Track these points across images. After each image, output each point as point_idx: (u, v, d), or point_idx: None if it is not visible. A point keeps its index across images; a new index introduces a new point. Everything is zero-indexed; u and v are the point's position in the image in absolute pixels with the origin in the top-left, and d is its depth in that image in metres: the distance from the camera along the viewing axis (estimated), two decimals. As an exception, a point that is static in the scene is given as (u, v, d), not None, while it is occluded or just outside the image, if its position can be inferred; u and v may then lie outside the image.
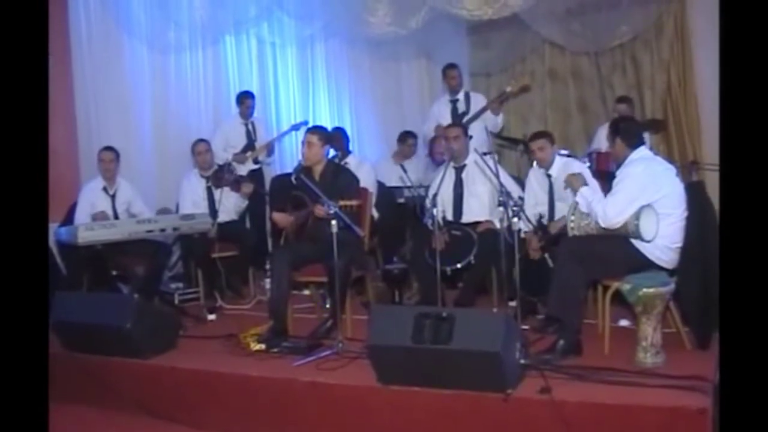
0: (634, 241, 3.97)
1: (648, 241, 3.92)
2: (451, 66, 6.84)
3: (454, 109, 6.70)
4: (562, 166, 4.98)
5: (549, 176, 5.03)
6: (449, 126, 5.68)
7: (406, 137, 7.42)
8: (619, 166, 4.21)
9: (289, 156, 8.03)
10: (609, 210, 3.96)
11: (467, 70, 8.07)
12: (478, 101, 6.69)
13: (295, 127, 7.51)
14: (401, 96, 8.97)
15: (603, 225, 3.99)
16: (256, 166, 7.13)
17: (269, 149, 7.23)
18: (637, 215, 3.89)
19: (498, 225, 5.00)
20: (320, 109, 8.54)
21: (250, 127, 7.17)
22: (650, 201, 3.91)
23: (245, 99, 7.14)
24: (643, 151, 4.14)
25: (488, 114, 6.50)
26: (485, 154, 4.96)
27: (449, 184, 5.39)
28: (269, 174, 7.50)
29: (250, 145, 7.10)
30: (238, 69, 7.90)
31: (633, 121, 4.70)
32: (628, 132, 4.20)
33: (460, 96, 6.75)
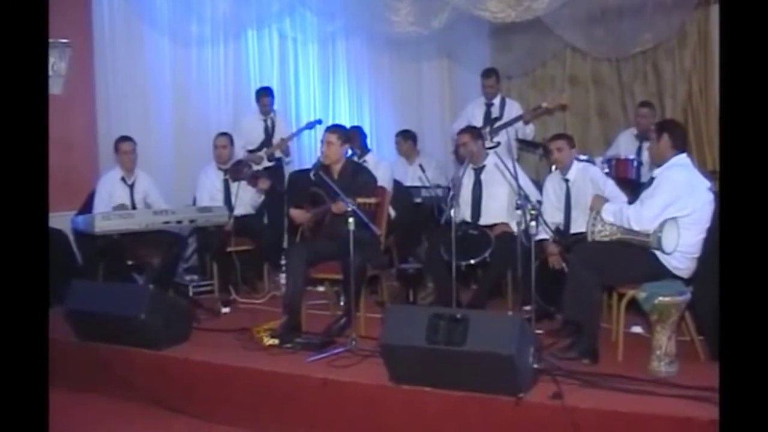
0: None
1: (668, 254, 3.88)
2: (487, 74, 6.81)
3: (488, 113, 6.69)
4: (580, 170, 4.97)
5: (566, 181, 5.01)
6: (459, 133, 5.60)
7: (399, 135, 7.53)
8: (659, 165, 4.12)
9: (308, 153, 8.02)
10: (645, 213, 3.93)
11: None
12: (513, 108, 6.70)
13: (310, 125, 7.50)
14: (421, 96, 8.98)
15: (636, 228, 3.95)
16: (270, 164, 7.10)
17: (285, 149, 7.17)
18: (661, 227, 3.85)
19: (515, 228, 4.99)
20: (340, 106, 8.55)
21: (269, 122, 7.15)
22: (681, 212, 3.87)
23: (262, 96, 7.13)
24: (684, 159, 4.07)
25: (519, 122, 6.52)
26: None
27: (468, 185, 5.39)
28: (288, 172, 7.49)
29: (267, 142, 7.09)
30: (259, 64, 7.91)
31: (680, 125, 4.55)
32: (676, 134, 4.12)
33: (496, 101, 6.74)
